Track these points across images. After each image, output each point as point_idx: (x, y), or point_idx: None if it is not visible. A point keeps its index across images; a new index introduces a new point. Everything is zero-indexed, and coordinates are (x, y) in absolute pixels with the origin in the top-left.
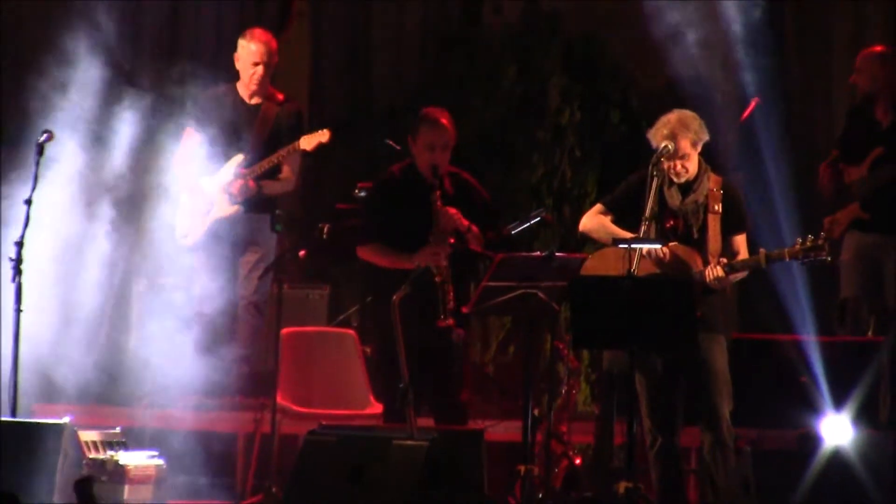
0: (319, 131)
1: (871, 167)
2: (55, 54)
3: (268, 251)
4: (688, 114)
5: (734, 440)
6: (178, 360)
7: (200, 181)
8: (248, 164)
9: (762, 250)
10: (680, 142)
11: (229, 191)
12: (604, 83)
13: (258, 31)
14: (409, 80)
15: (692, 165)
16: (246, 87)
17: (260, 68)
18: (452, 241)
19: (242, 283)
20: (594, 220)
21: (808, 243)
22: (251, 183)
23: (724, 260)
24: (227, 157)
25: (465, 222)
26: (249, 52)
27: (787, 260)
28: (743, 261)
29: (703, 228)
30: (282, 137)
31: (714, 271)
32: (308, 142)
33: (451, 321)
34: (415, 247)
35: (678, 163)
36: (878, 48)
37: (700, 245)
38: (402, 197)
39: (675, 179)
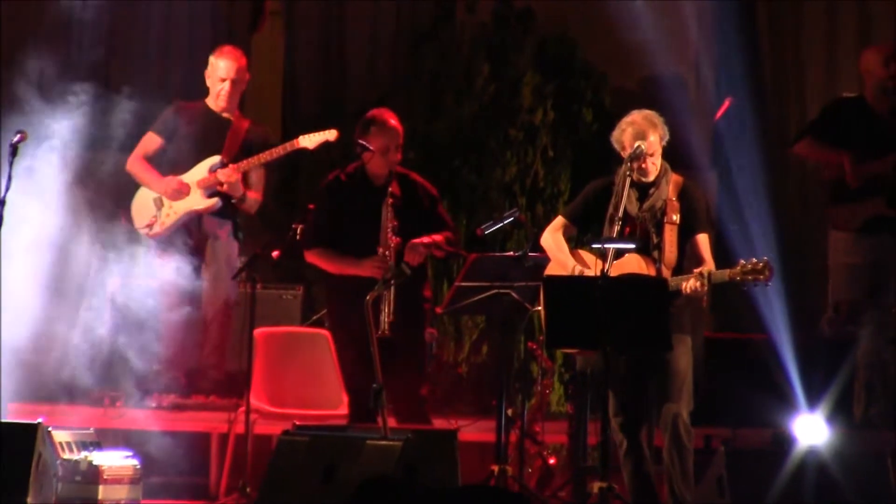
0: (325, 131)
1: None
2: (26, 52)
3: (228, 258)
4: (650, 112)
5: (692, 440)
6: (151, 360)
7: (166, 178)
8: (223, 167)
9: (707, 269)
10: (649, 138)
11: (211, 181)
12: (576, 82)
13: (227, 49)
14: (382, 79)
15: (659, 162)
16: (214, 102)
17: (227, 85)
18: (397, 240)
19: (208, 290)
20: (551, 240)
21: (749, 266)
22: (239, 175)
23: (705, 269)
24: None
25: (427, 240)
26: (217, 69)
27: (728, 280)
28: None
29: (661, 236)
30: (252, 151)
31: (691, 283)
32: (310, 140)
33: (387, 333)
34: (362, 251)
35: (648, 160)
36: None
37: (658, 252)
38: (350, 200)
39: (643, 178)
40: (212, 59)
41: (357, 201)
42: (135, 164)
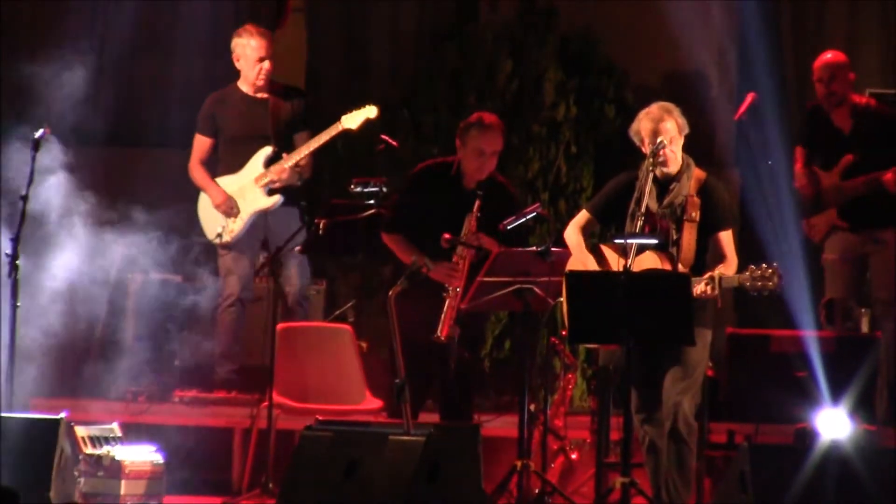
0: (364, 108)
1: (842, 175)
2: (48, 48)
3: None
4: (666, 102)
5: (693, 433)
6: (174, 355)
7: (220, 180)
8: (276, 156)
9: (718, 273)
10: (665, 125)
11: (271, 179)
12: (599, 78)
13: (253, 27)
14: (404, 76)
15: (679, 152)
16: (252, 84)
17: (266, 63)
18: (472, 251)
19: (287, 276)
20: (575, 237)
21: (757, 272)
22: (297, 169)
23: (716, 274)
24: (248, 154)
25: (497, 250)
26: (253, 49)
27: (737, 286)
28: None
29: (680, 233)
30: (295, 126)
31: (700, 288)
32: (352, 120)
33: (443, 339)
34: (437, 248)
35: (666, 149)
36: (841, 56)
37: (676, 249)
38: (437, 194)
39: (664, 169)
40: (241, 41)
41: (443, 197)
42: (194, 172)
